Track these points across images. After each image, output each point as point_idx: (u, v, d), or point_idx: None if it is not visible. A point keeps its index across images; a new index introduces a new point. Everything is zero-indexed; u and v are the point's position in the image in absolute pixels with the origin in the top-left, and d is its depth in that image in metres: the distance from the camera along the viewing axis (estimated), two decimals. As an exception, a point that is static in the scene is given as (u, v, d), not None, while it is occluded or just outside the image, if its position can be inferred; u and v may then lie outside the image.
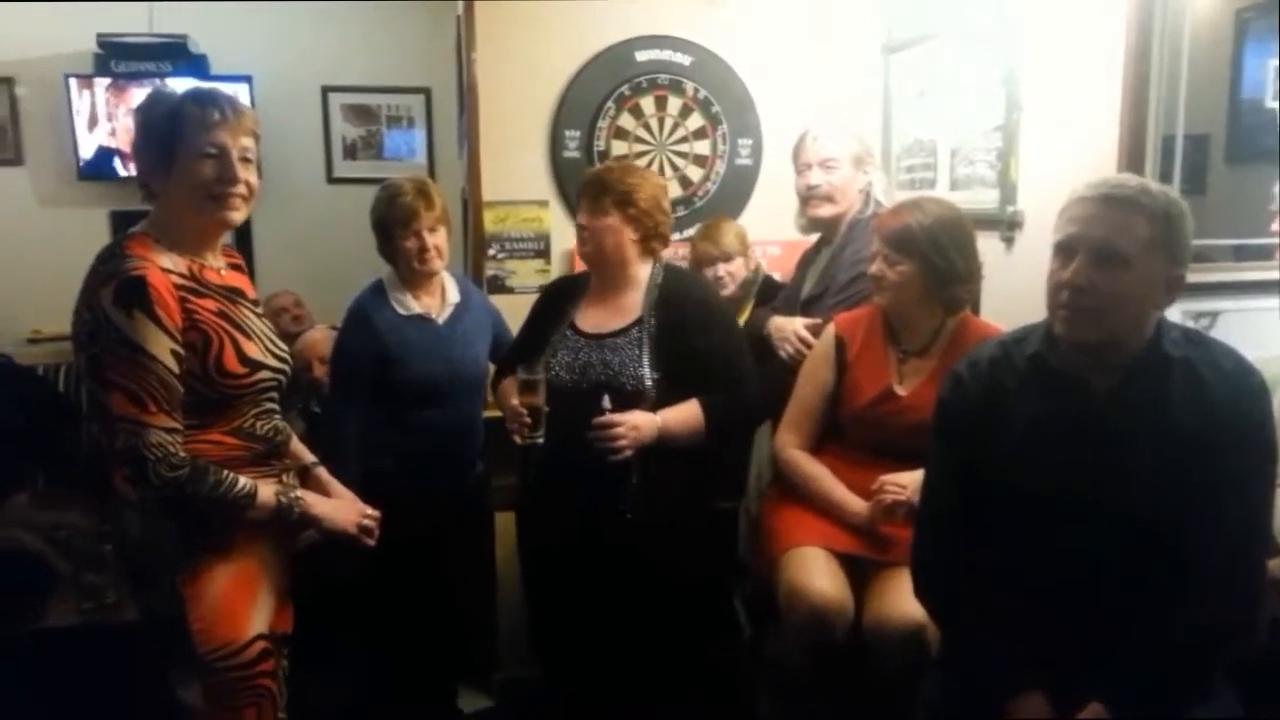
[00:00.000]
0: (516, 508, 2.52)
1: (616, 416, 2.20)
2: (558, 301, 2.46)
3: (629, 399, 2.24)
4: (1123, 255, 1.56)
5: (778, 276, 3.23)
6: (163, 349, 1.66)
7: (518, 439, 2.26)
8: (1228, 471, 1.58)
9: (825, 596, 2.08)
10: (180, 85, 1.92)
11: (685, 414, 2.27)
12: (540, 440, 2.22)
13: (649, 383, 2.26)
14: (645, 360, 2.27)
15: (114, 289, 1.65)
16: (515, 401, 2.24)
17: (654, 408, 2.25)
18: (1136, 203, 1.56)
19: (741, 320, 2.94)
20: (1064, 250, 1.62)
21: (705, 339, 2.31)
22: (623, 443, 2.19)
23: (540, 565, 2.50)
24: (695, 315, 2.32)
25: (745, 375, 2.35)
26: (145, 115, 1.79)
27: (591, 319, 2.38)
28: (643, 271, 2.38)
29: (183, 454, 1.69)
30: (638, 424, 2.21)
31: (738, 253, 3.00)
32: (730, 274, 2.99)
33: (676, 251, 3.08)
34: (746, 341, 2.46)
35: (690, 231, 3.19)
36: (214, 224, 1.82)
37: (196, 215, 1.79)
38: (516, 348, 2.53)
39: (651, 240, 2.36)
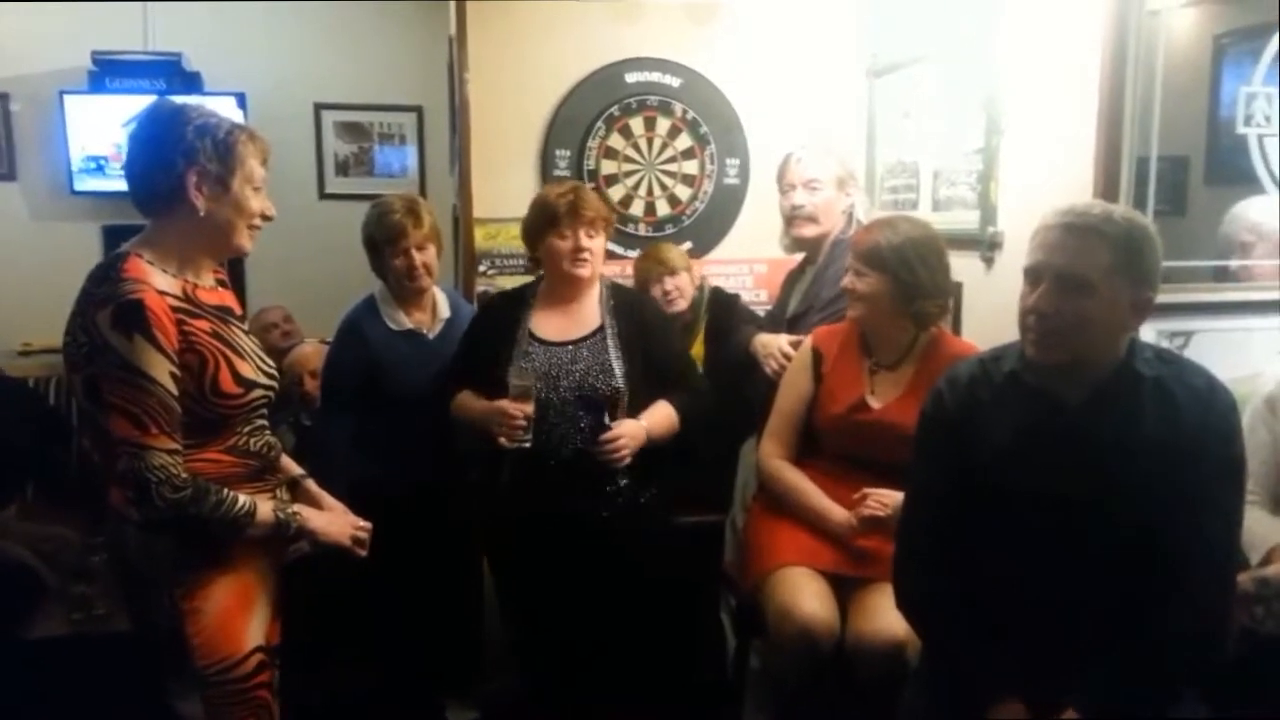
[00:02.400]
0: (482, 513, 2.52)
1: (617, 430, 2.30)
2: (503, 315, 2.50)
3: (608, 402, 2.33)
4: (1085, 281, 1.60)
5: (764, 294, 3.28)
6: (162, 371, 1.67)
7: (504, 441, 2.28)
8: (1198, 486, 1.63)
9: (814, 617, 2.12)
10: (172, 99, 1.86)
11: (662, 414, 2.41)
12: (528, 444, 2.29)
13: (621, 383, 2.35)
14: (615, 362, 2.38)
15: (111, 312, 1.65)
16: (507, 404, 2.27)
17: (627, 408, 2.36)
18: (1098, 230, 1.61)
19: (696, 339, 3.00)
20: (1031, 276, 1.68)
21: (663, 343, 2.50)
22: (625, 452, 2.30)
23: (516, 572, 2.53)
24: (651, 320, 2.52)
25: (697, 372, 2.62)
26: (156, 132, 1.75)
27: (552, 328, 2.44)
28: (594, 285, 2.50)
29: (184, 475, 1.69)
30: (634, 434, 2.33)
31: (682, 267, 2.99)
32: (678, 288, 2.96)
33: (624, 270, 3.13)
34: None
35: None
36: (233, 250, 1.86)
37: (217, 240, 1.81)
38: (463, 360, 2.53)
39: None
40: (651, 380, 2.42)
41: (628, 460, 2.32)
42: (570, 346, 2.41)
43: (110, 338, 1.65)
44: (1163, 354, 1.77)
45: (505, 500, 2.43)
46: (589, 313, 2.46)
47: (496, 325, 2.49)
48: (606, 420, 2.31)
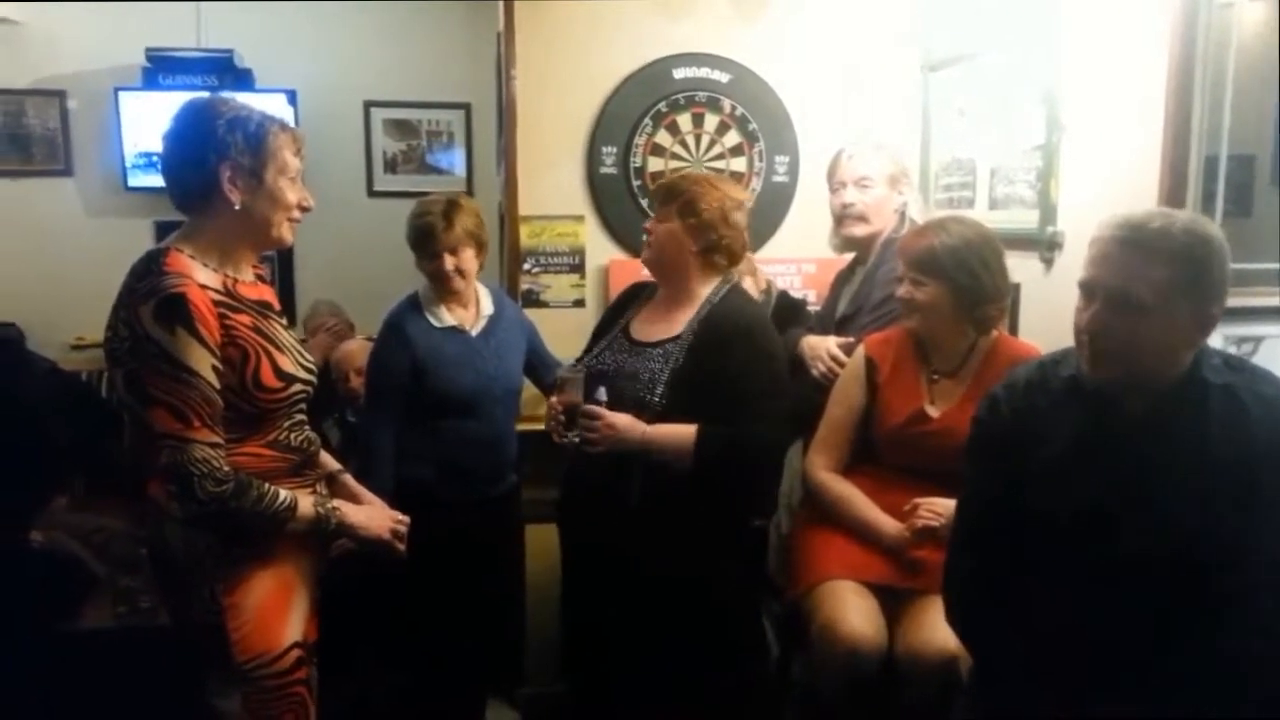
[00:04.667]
0: (558, 513, 2.51)
1: (600, 410, 2.19)
2: (624, 306, 2.48)
3: (628, 405, 2.22)
4: (1139, 303, 1.51)
5: (812, 294, 3.22)
6: (204, 365, 1.68)
7: (555, 438, 2.26)
8: (1266, 499, 1.54)
9: (860, 633, 2.07)
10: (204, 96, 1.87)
11: (675, 435, 2.19)
12: (575, 439, 2.22)
13: (657, 399, 2.21)
14: (665, 376, 2.23)
15: (154, 306, 1.65)
16: (553, 399, 2.25)
17: (656, 420, 2.21)
18: (1154, 248, 1.51)
19: None
20: (1085, 291, 1.60)
21: (732, 367, 2.20)
22: (594, 436, 2.18)
23: (570, 569, 2.50)
24: (730, 341, 2.22)
25: (762, 415, 2.20)
26: (189, 129, 1.77)
27: (643, 327, 2.37)
28: (704, 288, 2.31)
29: (227, 469, 1.70)
30: (615, 424, 2.18)
31: (744, 273, 2.96)
32: None
33: None
34: (787, 382, 2.31)
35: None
36: (272, 243, 1.86)
37: (256, 233, 1.82)
38: (588, 345, 2.51)
39: (714, 254, 2.29)
40: (701, 400, 2.19)
41: (599, 448, 2.18)
42: (642, 348, 2.31)
43: (153, 331, 1.65)
44: (1231, 361, 1.68)
45: (561, 495, 2.43)
46: (682, 319, 2.29)
47: (616, 313, 2.47)
48: (600, 396, 2.20)
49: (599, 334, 2.47)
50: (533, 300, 3.17)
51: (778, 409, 2.24)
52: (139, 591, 3.29)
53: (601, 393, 2.21)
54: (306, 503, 1.82)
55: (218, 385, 1.69)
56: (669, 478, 2.19)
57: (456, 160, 5.15)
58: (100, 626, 3.25)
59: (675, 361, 2.24)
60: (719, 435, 2.18)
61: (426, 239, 2.61)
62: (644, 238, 2.37)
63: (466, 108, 5.06)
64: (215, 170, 1.73)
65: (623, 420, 2.19)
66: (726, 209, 2.27)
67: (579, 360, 2.40)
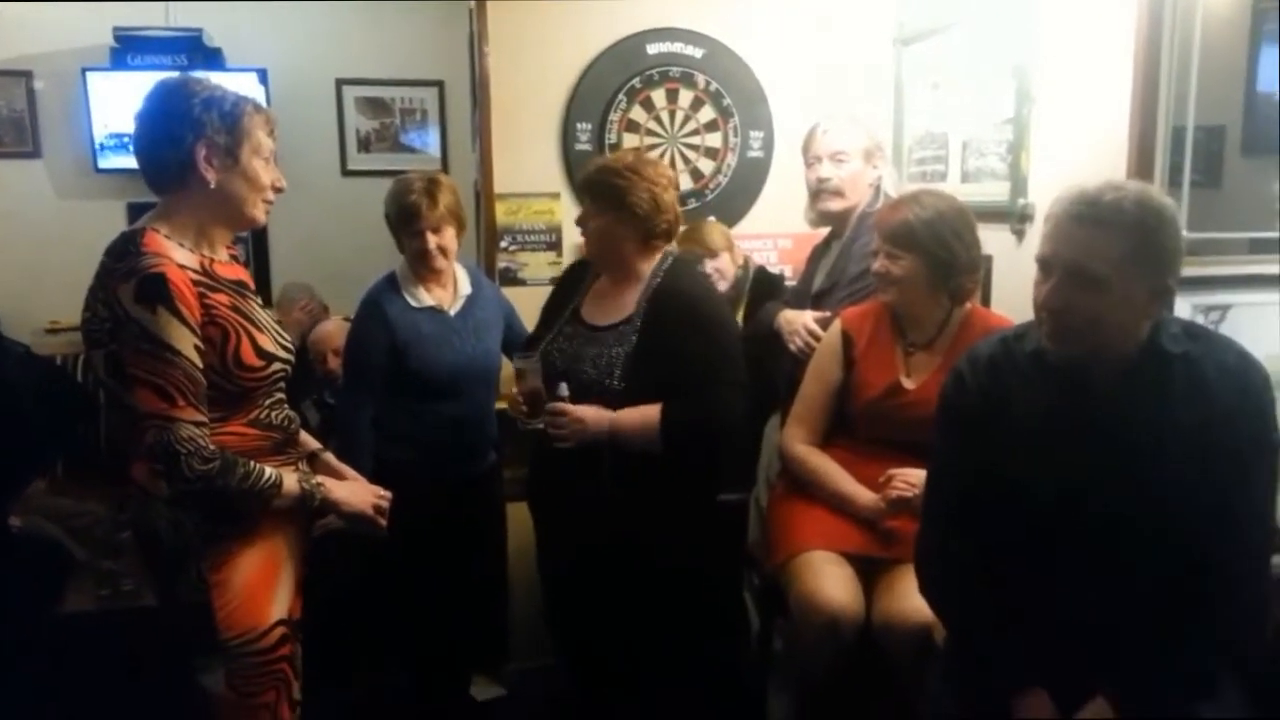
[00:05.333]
0: (527, 495, 2.54)
1: (566, 406, 2.19)
2: (569, 288, 2.47)
3: (589, 391, 2.22)
4: (1096, 276, 1.53)
5: (789, 269, 3.24)
6: (186, 344, 1.68)
7: (520, 425, 2.28)
8: (1230, 466, 1.57)
9: (838, 603, 2.09)
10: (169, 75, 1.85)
11: (641, 417, 2.19)
12: (540, 426, 2.24)
13: (617, 384, 2.22)
14: (622, 360, 2.23)
15: (135, 286, 1.65)
16: (514, 389, 2.26)
17: (618, 404, 2.21)
18: (1107, 221, 1.53)
19: (739, 316, 2.95)
20: (1043, 267, 1.62)
21: (684, 340, 2.21)
22: (564, 431, 2.19)
23: (544, 550, 2.52)
24: (679, 314, 2.23)
25: (720, 383, 2.22)
26: (163, 108, 1.76)
27: (594, 310, 2.38)
28: (647, 266, 2.32)
29: (212, 447, 1.71)
30: (583, 417, 2.19)
31: (723, 249, 3.02)
32: (719, 270, 2.99)
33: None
34: (738, 348, 2.32)
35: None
36: (246, 223, 1.86)
37: (230, 213, 1.82)
38: (534, 334, 2.52)
39: (653, 239, 2.30)
40: (659, 378, 2.20)
41: (569, 443, 2.19)
42: (596, 332, 2.32)
43: (134, 311, 1.66)
44: (1191, 329, 1.69)
45: (529, 478, 2.45)
46: (629, 299, 2.30)
47: (565, 293, 2.45)
48: (562, 390, 2.20)
49: (549, 314, 2.46)
50: (510, 278, 3.17)
51: (734, 376, 2.25)
52: (121, 574, 3.29)
53: (563, 388, 2.21)
54: (291, 479, 1.84)
55: (200, 364, 1.70)
56: (637, 456, 2.21)
57: (430, 138, 5.11)
58: (82, 610, 3.25)
59: (629, 344, 2.24)
60: (682, 411, 2.19)
61: (411, 218, 2.60)
62: (581, 230, 2.36)
63: (440, 85, 5.02)
64: (191, 149, 1.73)
65: (589, 413, 2.19)
66: (656, 195, 2.25)
67: (530, 345, 2.39)
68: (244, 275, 1.92)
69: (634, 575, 2.28)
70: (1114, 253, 1.53)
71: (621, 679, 2.45)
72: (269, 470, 1.79)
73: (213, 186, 1.76)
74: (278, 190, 1.87)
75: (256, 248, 4.86)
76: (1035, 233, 2.50)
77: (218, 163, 1.76)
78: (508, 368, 2.88)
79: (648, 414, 2.19)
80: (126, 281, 1.66)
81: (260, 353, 1.80)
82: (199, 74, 1.88)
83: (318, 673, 2.10)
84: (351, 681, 2.96)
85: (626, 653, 2.39)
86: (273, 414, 1.88)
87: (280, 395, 1.92)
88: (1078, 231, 1.55)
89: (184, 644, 1.88)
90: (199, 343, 1.70)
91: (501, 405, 2.79)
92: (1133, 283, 1.54)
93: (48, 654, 2.94)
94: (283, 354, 1.88)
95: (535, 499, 2.50)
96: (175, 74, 1.85)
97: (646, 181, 2.25)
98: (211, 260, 1.81)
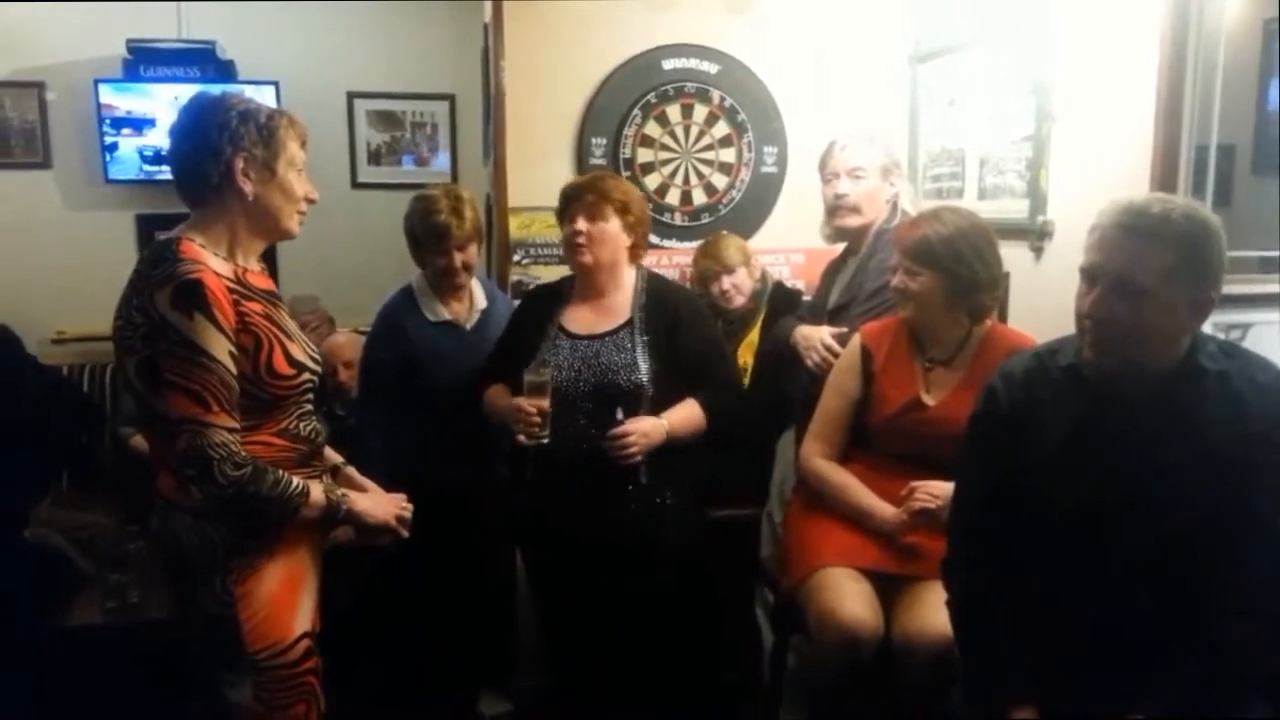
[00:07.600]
0: (511, 507, 2.53)
1: (629, 425, 2.27)
2: (539, 309, 2.50)
3: (630, 398, 2.30)
4: (1142, 287, 1.54)
5: (801, 284, 3.23)
6: (221, 350, 1.68)
7: (523, 439, 2.28)
8: (1263, 484, 1.56)
9: (857, 621, 2.07)
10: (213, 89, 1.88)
11: (687, 413, 2.36)
12: (546, 439, 2.27)
13: (645, 379, 2.32)
14: (640, 358, 2.33)
15: (171, 292, 1.66)
16: (522, 401, 2.26)
17: (652, 404, 2.32)
18: (1156, 234, 1.53)
19: (754, 331, 2.99)
20: (1087, 277, 1.62)
21: (694, 337, 2.41)
22: (634, 449, 2.26)
23: (544, 568, 2.52)
24: (683, 315, 2.42)
25: (730, 368, 2.58)
26: (201, 121, 1.77)
27: (581, 322, 2.42)
28: (629, 277, 2.46)
29: (244, 453, 1.71)
30: (647, 431, 2.29)
31: (739, 264, 3.03)
32: (736, 286, 3.03)
33: (658, 260, 3.11)
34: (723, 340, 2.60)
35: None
36: (281, 234, 1.89)
37: (266, 224, 1.84)
38: (498, 356, 2.54)
39: (639, 248, 2.47)
40: (681, 375, 2.37)
41: (638, 458, 2.27)
42: (596, 341, 2.37)
43: (170, 316, 1.66)
44: (1226, 347, 1.70)
45: (530, 496, 2.44)
46: (619, 306, 2.42)
47: (532, 319, 2.48)
48: (619, 415, 2.28)
49: (519, 340, 2.47)
50: (523, 292, 3.16)
51: (734, 367, 2.62)
52: (127, 587, 3.27)
53: (619, 413, 2.29)
54: (318, 490, 1.83)
55: (234, 370, 1.70)
56: (668, 454, 2.32)
57: (441, 152, 5.11)
58: (89, 623, 3.23)
59: (640, 344, 2.34)
60: (715, 398, 2.40)
61: (440, 237, 2.60)
62: (576, 239, 2.38)
63: (451, 99, 5.03)
64: (230, 161, 1.75)
65: (647, 425, 2.29)
66: (645, 208, 2.50)
67: (534, 364, 2.36)
68: (271, 286, 1.93)
69: (643, 591, 2.30)
70: (1160, 264, 1.53)
71: (631, 697, 2.44)
72: (297, 480, 1.79)
73: (250, 198, 1.78)
74: (310, 201, 1.89)
75: (266, 260, 4.83)
76: (1054, 250, 2.50)
77: (255, 175, 1.77)
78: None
79: (690, 409, 2.37)
80: (163, 287, 1.67)
81: (292, 361, 1.81)
82: (220, 88, 1.89)
83: (326, 686, 2.07)
84: (362, 695, 2.93)
85: (637, 670, 2.38)
86: (301, 425, 1.88)
87: (309, 406, 1.92)
88: (1125, 242, 1.55)
89: (207, 659, 1.86)
90: (233, 349, 1.71)
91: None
92: (1176, 295, 1.54)
93: (54, 667, 2.91)
94: (312, 364, 1.88)
95: (532, 512, 2.47)
96: (206, 88, 1.86)
97: (639, 195, 2.49)
98: (245, 270, 1.83)
